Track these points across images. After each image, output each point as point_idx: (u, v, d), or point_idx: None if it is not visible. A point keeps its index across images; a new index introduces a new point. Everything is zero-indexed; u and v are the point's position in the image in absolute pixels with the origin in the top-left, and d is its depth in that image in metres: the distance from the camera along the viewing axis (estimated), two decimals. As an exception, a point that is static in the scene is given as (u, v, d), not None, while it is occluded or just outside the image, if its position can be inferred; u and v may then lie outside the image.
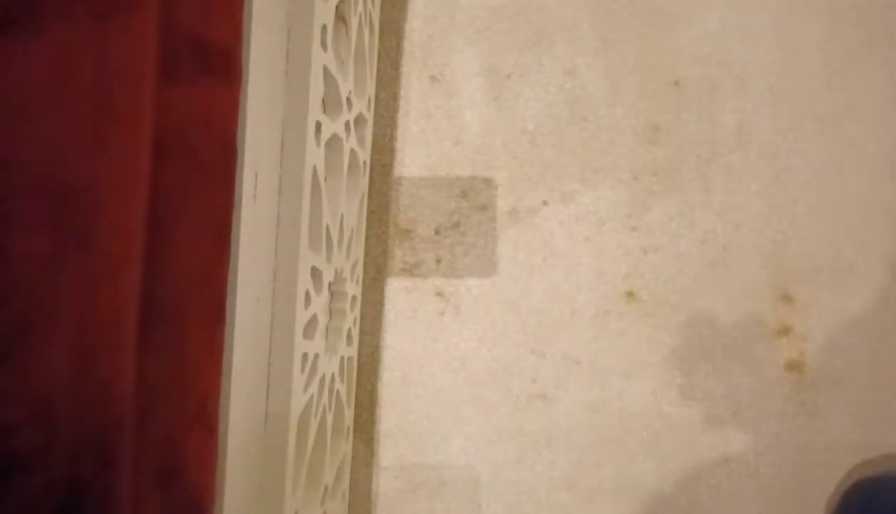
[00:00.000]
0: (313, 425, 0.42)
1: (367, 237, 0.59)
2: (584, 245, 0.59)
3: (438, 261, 0.59)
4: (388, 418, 0.59)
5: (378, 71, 0.58)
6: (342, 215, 0.47)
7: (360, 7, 0.49)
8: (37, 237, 0.22)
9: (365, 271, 0.59)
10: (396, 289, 0.59)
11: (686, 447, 0.58)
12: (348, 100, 0.46)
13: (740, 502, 0.58)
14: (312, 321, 0.41)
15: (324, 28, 0.38)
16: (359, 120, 0.52)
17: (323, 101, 0.41)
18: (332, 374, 0.48)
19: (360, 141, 0.53)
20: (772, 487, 0.58)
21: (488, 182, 0.59)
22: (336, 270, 0.47)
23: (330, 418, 0.48)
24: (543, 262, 0.59)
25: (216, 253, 0.29)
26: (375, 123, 0.58)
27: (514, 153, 0.59)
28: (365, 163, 0.55)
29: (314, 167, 0.38)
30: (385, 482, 0.58)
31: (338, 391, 0.50)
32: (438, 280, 0.59)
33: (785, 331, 0.59)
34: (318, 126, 0.39)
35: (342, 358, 0.51)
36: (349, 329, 0.52)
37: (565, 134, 0.59)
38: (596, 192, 0.59)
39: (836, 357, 0.58)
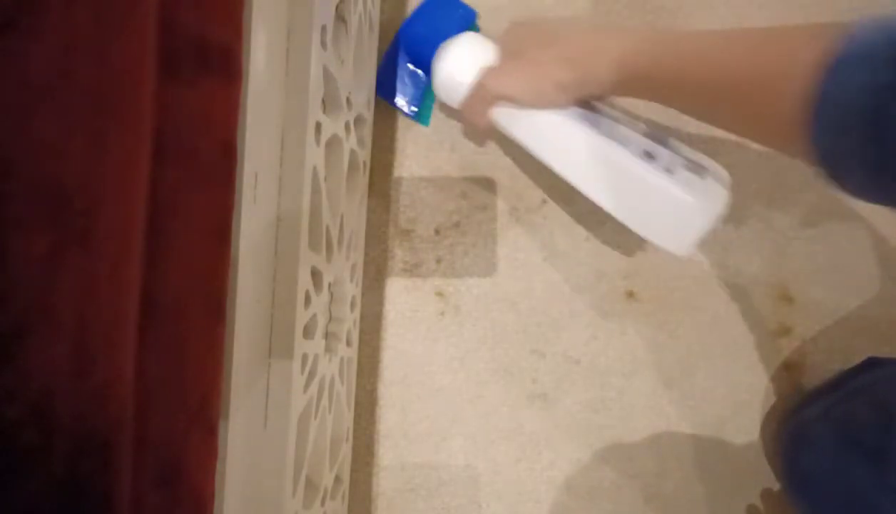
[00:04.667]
0: (313, 425, 0.42)
1: (367, 237, 0.59)
2: (584, 245, 0.59)
3: (438, 261, 0.59)
4: (388, 418, 0.59)
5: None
6: (342, 215, 0.47)
7: (360, 7, 0.49)
8: (37, 237, 0.22)
9: (365, 272, 0.59)
10: (396, 289, 0.59)
11: (686, 446, 0.58)
12: (348, 100, 0.46)
13: (741, 502, 0.58)
14: (312, 321, 0.41)
15: (324, 28, 0.38)
16: (359, 120, 0.52)
17: (323, 101, 0.41)
18: (332, 375, 0.48)
19: (360, 141, 0.53)
20: (774, 488, 0.58)
21: (488, 182, 0.59)
22: (336, 270, 0.47)
23: (330, 418, 0.48)
24: (543, 262, 0.59)
25: (216, 253, 0.29)
26: (375, 123, 0.58)
27: (515, 153, 0.59)
28: (365, 163, 0.55)
29: (314, 167, 0.38)
30: (385, 482, 0.58)
31: (338, 392, 0.50)
32: (438, 280, 0.59)
33: (785, 331, 0.59)
34: (318, 126, 0.39)
35: (342, 359, 0.51)
36: (349, 330, 0.52)
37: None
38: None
39: (836, 357, 0.58)
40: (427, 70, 0.56)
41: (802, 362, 0.58)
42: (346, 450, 0.54)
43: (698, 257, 0.59)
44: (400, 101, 0.58)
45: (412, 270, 0.59)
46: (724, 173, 0.46)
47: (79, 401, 0.23)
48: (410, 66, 0.58)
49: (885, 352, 0.57)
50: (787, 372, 0.58)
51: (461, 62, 0.50)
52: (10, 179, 0.21)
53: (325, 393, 0.45)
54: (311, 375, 0.41)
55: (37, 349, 0.22)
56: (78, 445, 0.23)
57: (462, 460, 0.58)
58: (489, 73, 0.48)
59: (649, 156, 0.45)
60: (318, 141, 0.39)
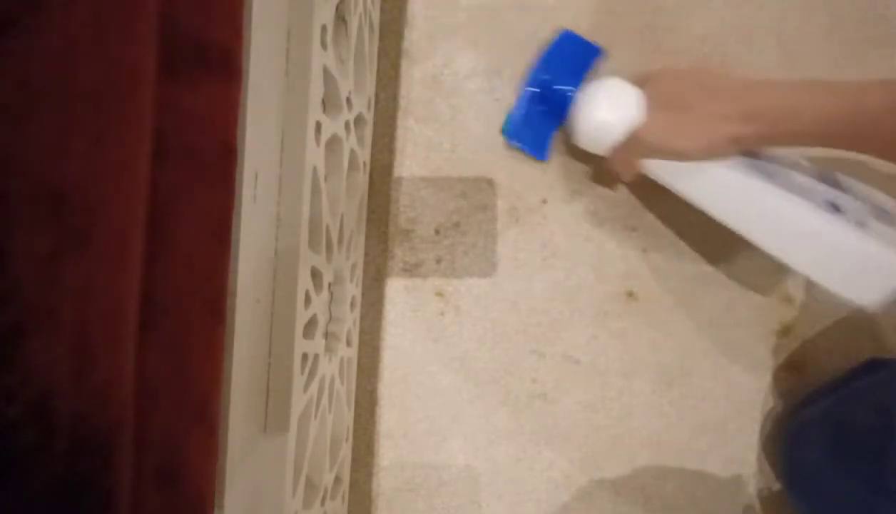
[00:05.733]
0: (313, 425, 0.42)
1: (367, 237, 0.59)
2: (584, 245, 0.59)
3: (438, 261, 0.59)
4: (388, 418, 0.59)
5: (378, 71, 0.58)
6: (342, 215, 0.47)
7: (360, 7, 0.49)
8: (37, 237, 0.22)
9: (365, 271, 0.59)
10: (396, 289, 0.59)
11: (686, 447, 0.58)
12: (348, 100, 0.46)
13: (741, 502, 0.58)
14: (312, 321, 0.41)
15: (324, 28, 0.38)
16: (359, 120, 0.52)
17: (323, 101, 0.41)
18: (332, 375, 0.48)
19: (360, 141, 0.53)
20: (773, 488, 0.58)
21: (488, 182, 0.59)
22: (336, 270, 0.47)
23: (330, 418, 0.48)
24: (543, 262, 0.59)
25: (216, 253, 0.29)
26: (375, 123, 0.58)
27: (515, 153, 0.59)
28: (365, 163, 0.55)
29: (314, 167, 0.38)
30: (385, 482, 0.58)
31: (338, 392, 0.50)
32: (438, 280, 0.59)
33: (785, 331, 0.59)
34: (318, 126, 0.39)
35: (342, 359, 0.51)
36: (349, 330, 0.52)
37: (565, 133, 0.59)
38: (596, 191, 0.59)
39: (836, 358, 0.58)
40: (557, 112, 0.55)
41: (802, 362, 0.58)
42: (346, 450, 0.54)
43: (698, 258, 0.59)
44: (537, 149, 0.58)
45: (412, 270, 0.59)
46: None
47: (79, 401, 0.23)
48: (537, 107, 0.57)
49: (885, 353, 0.57)
50: (787, 372, 0.58)
51: (609, 111, 0.48)
52: (10, 179, 0.21)
53: (325, 393, 0.45)
54: (311, 375, 0.41)
55: (37, 349, 0.22)
56: (78, 445, 0.23)
57: (462, 460, 0.58)
58: (649, 127, 0.46)
59: (835, 207, 0.44)
60: (318, 141, 0.39)
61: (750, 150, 0.46)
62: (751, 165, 0.46)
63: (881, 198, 0.47)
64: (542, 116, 0.57)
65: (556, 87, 0.55)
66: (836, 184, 0.46)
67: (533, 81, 0.56)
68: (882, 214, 0.45)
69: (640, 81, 0.49)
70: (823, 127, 0.41)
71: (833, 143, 0.42)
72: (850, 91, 0.40)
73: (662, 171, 0.48)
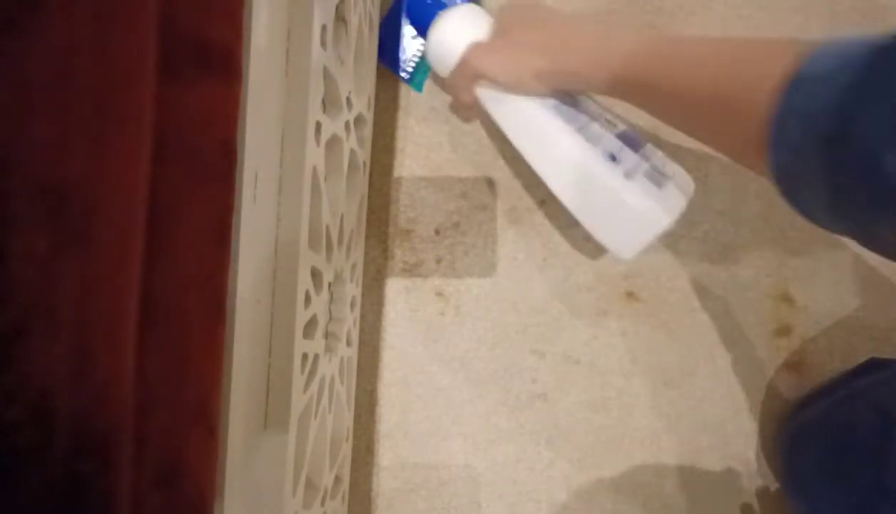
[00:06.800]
0: (313, 425, 0.42)
1: (367, 237, 0.59)
2: (584, 245, 0.59)
3: (438, 261, 0.59)
4: (388, 418, 0.59)
5: (378, 71, 0.58)
6: (342, 215, 0.47)
7: (360, 7, 0.49)
8: (37, 237, 0.22)
9: (365, 271, 0.59)
10: (396, 289, 0.59)
11: (685, 446, 0.58)
12: (348, 100, 0.46)
13: (740, 502, 0.58)
14: (312, 321, 0.41)
15: (324, 28, 0.38)
16: (359, 120, 0.52)
17: (323, 101, 0.41)
18: (332, 375, 0.48)
19: (360, 141, 0.53)
20: (772, 488, 0.58)
21: (488, 182, 0.59)
22: (336, 270, 0.47)
23: (330, 418, 0.48)
24: (543, 262, 0.59)
25: (216, 253, 0.29)
26: (375, 123, 0.58)
27: (514, 153, 0.59)
28: (365, 163, 0.55)
29: (314, 167, 0.38)
30: (385, 482, 0.58)
31: (338, 392, 0.50)
32: (438, 280, 0.59)
33: (785, 331, 0.59)
34: (318, 126, 0.39)
35: (342, 359, 0.51)
36: (349, 330, 0.52)
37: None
38: (596, 192, 0.59)
39: (836, 358, 0.58)
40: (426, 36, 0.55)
41: (802, 363, 0.58)
42: (346, 450, 0.54)
43: (699, 257, 0.59)
44: (398, 63, 0.58)
45: (412, 270, 0.59)
46: (689, 184, 0.46)
47: (79, 401, 0.23)
48: (411, 30, 0.57)
49: (885, 353, 0.57)
50: (786, 372, 0.58)
51: (454, 33, 0.49)
52: (9, 179, 0.22)
53: (325, 393, 0.45)
54: (311, 375, 0.41)
55: (37, 349, 0.22)
56: (78, 445, 0.23)
57: (462, 460, 0.58)
58: (475, 48, 0.47)
59: (613, 158, 0.45)
60: (318, 141, 0.39)
61: (563, 91, 0.47)
62: (556, 106, 0.47)
63: (671, 166, 0.47)
64: (413, 40, 0.57)
65: (423, 2, 0.55)
66: (632, 143, 0.47)
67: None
68: (656, 175, 0.46)
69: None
70: (601, 76, 0.41)
71: (617, 95, 0.42)
72: (630, 42, 0.40)
73: (486, 98, 0.49)
